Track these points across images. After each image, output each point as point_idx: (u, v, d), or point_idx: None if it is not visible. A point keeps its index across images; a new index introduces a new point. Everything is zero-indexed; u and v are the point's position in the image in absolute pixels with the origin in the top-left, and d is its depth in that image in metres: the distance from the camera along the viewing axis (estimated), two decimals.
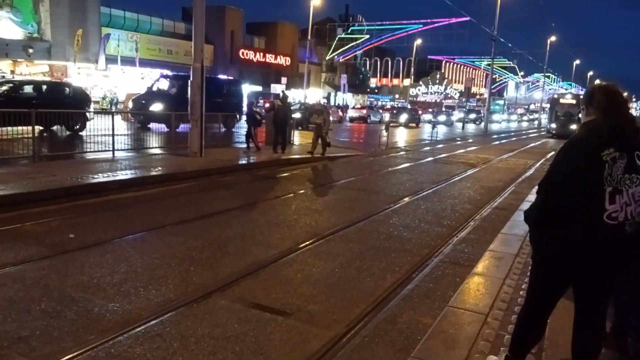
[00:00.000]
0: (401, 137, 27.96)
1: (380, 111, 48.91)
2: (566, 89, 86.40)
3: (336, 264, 5.55)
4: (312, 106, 15.80)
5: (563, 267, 2.56)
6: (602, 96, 2.59)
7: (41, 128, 13.18)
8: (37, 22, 31.06)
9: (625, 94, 2.85)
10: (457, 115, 56.46)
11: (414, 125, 41.09)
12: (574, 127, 26.81)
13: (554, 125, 35.82)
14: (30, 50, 29.17)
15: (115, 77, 33.82)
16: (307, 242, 6.30)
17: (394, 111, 47.30)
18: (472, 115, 56.66)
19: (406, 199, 9.61)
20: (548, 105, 47.72)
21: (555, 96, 40.66)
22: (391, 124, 36.84)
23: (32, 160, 10.34)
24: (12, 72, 29.12)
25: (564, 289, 2.69)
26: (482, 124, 47.24)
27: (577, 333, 2.76)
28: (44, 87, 17.21)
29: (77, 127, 15.99)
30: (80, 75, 31.11)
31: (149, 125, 19.15)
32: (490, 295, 4.32)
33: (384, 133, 20.49)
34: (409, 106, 56.47)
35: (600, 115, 2.53)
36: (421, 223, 7.79)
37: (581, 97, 18.25)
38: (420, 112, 52.83)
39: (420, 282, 5.16)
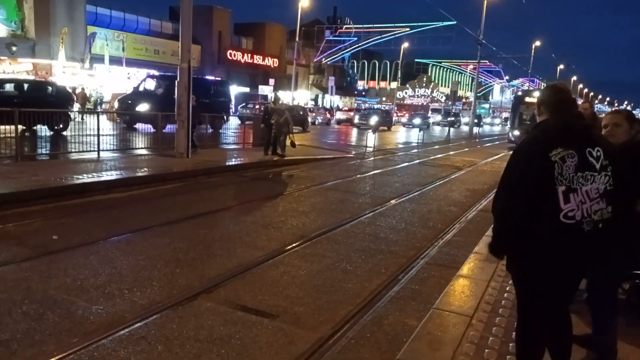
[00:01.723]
0: (386, 140, 28.07)
1: (351, 113, 45.14)
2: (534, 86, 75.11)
3: (322, 266, 5.55)
4: (273, 106, 15.05)
5: (539, 271, 2.56)
6: (549, 96, 2.64)
7: (23, 127, 12.98)
8: (21, 20, 30.63)
9: (589, 93, 2.91)
10: (435, 118, 54.22)
11: (385, 128, 38.23)
12: None
13: (516, 133, 25.11)
14: (14, 48, 28.72)
15: (101, 76, 33.48)
16: (294, 244, 6.29)
17: (363, 113, 42.08)
18: (451, 118, 52.27)
19: (392, 201, 9.65)
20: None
21: (519, 93, 30.60)
22: (360, 127, 36.27)
23: (15, 159, 10.18)
24: None
25: (549, 292, 2.69)
26: (461, 127, 46.53)
27: (551, 336, 2.77)
28: (26, 85, 16.96)
29: (60, 126, 15.76)
30: (66, 74, 30.71)
31: (135, 126, 18.97)
32: (475, 297, 4.36)
33: (371, 135, 20.56)
34: (387, 108, 55.90)
35: (549, 115, 2.57)
36: (407, 225, 7.83)
37: None
38: (397, 114, 51.43)
39: (406, 284, 5.18)
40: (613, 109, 3.54)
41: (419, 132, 29.23)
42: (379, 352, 3.71)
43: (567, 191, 2.40)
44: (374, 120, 36.95)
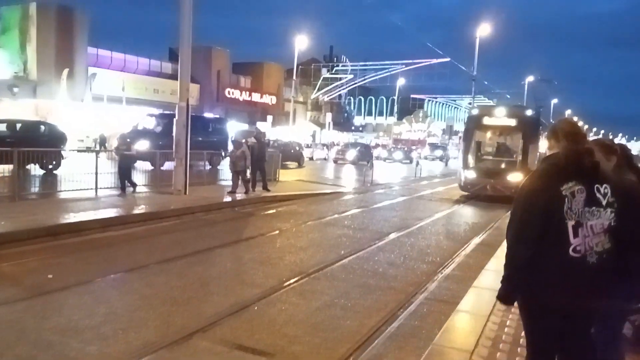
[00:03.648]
0: (382, 174, 28.19)
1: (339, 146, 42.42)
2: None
3: (320, 303, 5.49)
4: (234, 139, 14.55)
5: (549, 304, 2.55)
6: (561, 130, 2.67)
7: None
8: (24, 62, 31.20)
9: (585, 127, 2.93)
10: (421, 152, 51.64)
11: (364, 163, 34.37)
12: (515, 177, 14.29)
13: (470, 175, 16.30)
14: (15, 90, 29.16)
15: (102, 115, 33.82)
16: (292, 281, 6.23)
17: (341, 148, 40.19)
18: (438, 152, 51.00)
19: (391, 236, 9.62)
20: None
21: (475, 112, 18.67)
22: (338, 162, 35.37)
23: (12, 199, 10.18)
24: None
25: (558, 330, 2.64)
26: (450, 161, 44.51)
27: None
28: (19, 125, 16.99)
29: (52, 165, 15.73)
30: (66, 114, 31.06)
31: (133, 164, 19.04)
32: (475, 333, 4.30)
33: (369, 172, 20.68)
34: (382, 143, 53.93)
35: (561, 149, 2.61)
36: (406, 260, 7.78)
37: (527, 114, 15.43)
38: (383, 148, 49.27)
39: (406, 320, 5.12)
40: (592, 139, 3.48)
41: (416, 166, 28.97)
42: None
43: (576, 225, 2.43)
44: (351, 155, 35.62)
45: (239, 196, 13.10)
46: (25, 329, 4.38)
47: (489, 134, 17.44)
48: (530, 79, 58.81)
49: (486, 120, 16.73)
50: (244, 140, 14.61)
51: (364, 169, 22.28)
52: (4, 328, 4.39)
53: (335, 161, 36.18)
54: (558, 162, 2.55)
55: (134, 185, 12.54)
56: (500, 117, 16.43)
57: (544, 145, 15.42)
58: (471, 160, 16.57)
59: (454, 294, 5.93)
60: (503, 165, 16.44)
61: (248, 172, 13.50)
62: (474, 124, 17.04)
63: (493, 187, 15.29)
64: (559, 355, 2.67)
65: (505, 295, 2.65)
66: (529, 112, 16.62)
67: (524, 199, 2.55)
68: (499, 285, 2.66)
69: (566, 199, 2.44)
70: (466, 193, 16.62)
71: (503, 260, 2.65)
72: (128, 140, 20.74)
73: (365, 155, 37.04)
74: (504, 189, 14.48)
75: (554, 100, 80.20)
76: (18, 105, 28.17)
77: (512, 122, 16.23)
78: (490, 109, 18.08)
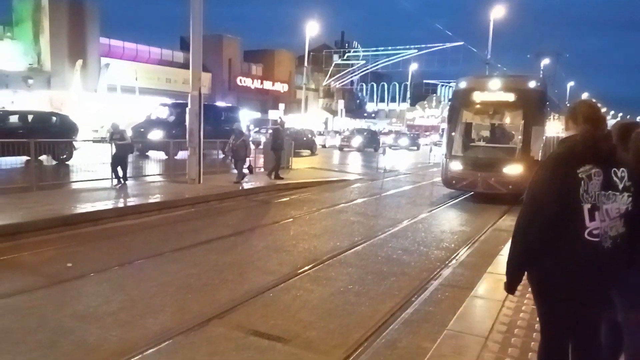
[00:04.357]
0: (392, 161, 28.06)
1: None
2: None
3: (335, 289, 5.51)
4: (232, 129, 14.51)
5: (563, 289, 2.53)
6: (580, 112, 2.61)
7: (28, 158, 13.18)
8: (37, 53, 31.48)
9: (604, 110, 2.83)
10: (430, 138, 50.00)
11: (371, 149, 34.70)
12: (514, 169, 11.71)
13: (454, 167, 12.73)
14: (30, 81, 29.48)
15: (115, 106, 34.09)
16: (306, 268, 6.26)
17: (346, 134, 38.73)
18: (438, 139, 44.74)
19: (405, 222, 9.60)
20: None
21: (463, 84, 13.22)
22: (343, 149, 34.51)
23: (30, 189, 10.33)
24: (12, 102, 29.36)
25: (572, 316, 2.60)
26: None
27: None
28: (30, 117, 17.13)
29: (65, 156, 15.90)
30: (80, 104, 31.37)
31: (147, 153, 19.22)
32: (490, 318, 4.29)
33: (382, 157, 20.59)
34: (390, 130, 50.38)
35: (579, 131, 2.56)
36: (420, 246, 7.76)
37: (530, 86, 12.08)
38: (387, 135, 46.30)
39: (420, 306, 5.12)
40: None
41: (430, 152, 28.76)
42: None
43: (592, 209, 2.40)
44: (357, 141, 34.82)
45: (251, 185, 13.16)
46: (45, 316, 4.48)
47: (480, 114, 13.39)
48: (544, 62, 57.01)
49: (477, 96, 12.75)
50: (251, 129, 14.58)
51: (377, 156, 22.19)
52: (25, 315, 4.49)
53: (340, 148, 35.13)
54: (575, 146, 2.50)
55: (124, 178, 11.65)
56: (495, 90, 12.49)
57: (554, 127, 13.51)
58: (457, 147, 12.96)
59: (469, 279, 5.91)
60: (498, 154, 12.56)
61: (248, 161, 13.50)
62: (461, 101, 13.04)
63: (485, 182, 11.91)
64: (572, 342, 2.65)
65: (510, 286, 2.63)
66: (532, 84, 12.41)
67: (539, 182, 2.51)
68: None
69: (582, 182, 2.40)
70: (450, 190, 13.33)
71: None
72: (141, 130, 21.06)
73: (372, 141, 36.27)
74: (500, 185, 11.69)
75: (570, 83, 78.81)
76: (33, 97, 28.50)
77: (511, 97, 12.32)
78: (482, 81, 13.25)
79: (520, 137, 12.39)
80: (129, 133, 21.68)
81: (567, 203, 2.41)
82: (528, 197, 2.56)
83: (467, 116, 13.20)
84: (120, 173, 11.57)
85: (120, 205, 9.36)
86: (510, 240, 2.68)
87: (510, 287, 2.65)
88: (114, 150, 11.63)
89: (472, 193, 13.12)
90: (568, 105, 14.04)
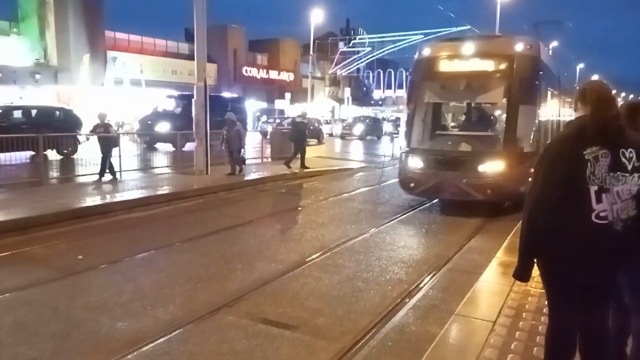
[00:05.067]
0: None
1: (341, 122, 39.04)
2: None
3: (343, 276, 5.54)
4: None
5: (571, 271, 2.52)
6: (591, 92, 2.56)
7: (33, 153, 13.26)
8: (44, 49, 31.62)
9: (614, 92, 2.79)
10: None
11: (374, 137, 34.26)
12: (494, 166, 8.60)
13: (414, 164, 9.33)
14: (37, 77, 29.65)
15: (122, 98, 34.21)
16: (314, 256, 6.30)
17: (349, 122, 37.13)
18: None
19: (413, 210, 9.59)
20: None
21: (426, 52, 9.71)
22: (345, 137, 33.53)
23: (40, 184, 10.44)
24: (21, 98, 29.58)
25: (580, 298, 2.59)
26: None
27: (584, 346, 2.69)
28: (34, 112, 17.15)
29: (68, 150, 15.96)
30: (87, 98, 31.51)
31: (155, 145, 19.31)
32: (498, 303, 4.28)
33: (390, 145, 20.53)
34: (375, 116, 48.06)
35: (587, 112, 2.53)
36: (429, 232, 7.76)
37: (517, 49, 8.71)
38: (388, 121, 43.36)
39: (428, 292, 5.14)
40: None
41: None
42: None
43: (599, 191, 2.37)
44: (358, 129, 33.91)
45: (258, 175, 13.20)
46: (58, 308, 4.55)
47: (449, 91, 9.82)
48: (554, 44, 55.71)
49: (444, 66, 9.48)
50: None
51: (380, 144, 22.09)
52: (38, 307, 4.57)
53: (342, 137, 34.28)
54: (583, 127, 2.47)
55: (112, 172, 11.21)
56: (469, 57, 9.14)
57: (550, 109, 10.48)
58: (417, 137, 9.78)
59: (476, 265, 5.91)
60: (473, 146, 9.23)
61: (242, 151, 13.20)
62: (424, 74, 9.73)
63: (453, 186, 8.68)
64: (580, 323, 2.65)
65: (521, 273, 2.58)
66: (519, 47, 8.97)
67: (544, 163, 2.49)
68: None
69: (589, 164, 2.37)
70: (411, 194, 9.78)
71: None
72: (149, 122, 21.14)
73: (374, 129, 35.33)
74: (474, 190, 8.50)
75: (580, 65, 77.61)
76: (40, 92, 28.67)
77: (490, 66, 9.09)
78: (451, 46, 9.67)
79: (502, 121, 9.74)
80: (136, 126, 21.74)
81: (573, 185, 2.39)
82: (534, 179, 2.54)
83: (431, 94, 9.85)
84: (105, 167, 11.02)
85: (129, 197, 9.43)
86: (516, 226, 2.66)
87: (521, 274, 2.58)
88: (99, 144, 11.14)
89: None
90: (577, 87, 13.29)
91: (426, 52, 9.81)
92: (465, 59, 9.22)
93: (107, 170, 11.11)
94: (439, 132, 10.31)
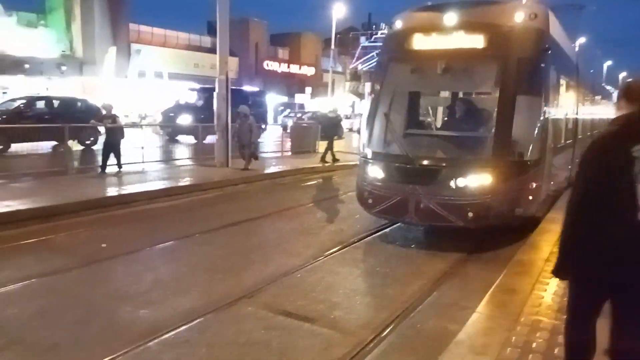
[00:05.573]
0: None
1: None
2: None
3: (361, 271, 5.53)
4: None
5: (605, 269, 2.44)
6: (637, 90, 2.49)
7: (56, 143, 13.45)
8: (70, 41, 32.17)
9: None
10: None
11: None
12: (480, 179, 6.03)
13: (374, 174, 6.82)
14: (63, 68, 30.19)
15: (145, 91, 34.64)
16: (332, 250, 6.28)
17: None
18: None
19: None
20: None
21: (399, 25, 7.19)
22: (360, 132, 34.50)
23: (64, 173, 10.64)
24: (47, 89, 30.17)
25: (606, 293, 2.53)
26: None
27: (617, 341, 2.62)
28: (56, 102, 17.31)
29: (91, 141, 16.20)
30: (111, 90, 31.99)
31: (177, 138, 19.52)
32: (520, 300, 4.21)
33: None
34: None
35: (635, 110, 2.45)
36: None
37: (516, 19, 6.14)
38: None
39: (447, 288, 5.08)
40: None
41: None
42: (418, 357, 3.65)
43: None
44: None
45: (278, 168, 13.23)
46: (80, 295, 4.64)
47: (424, 75, 7.14)
48: (582, 40, 54.74)
49: (418, 43, 6.97)
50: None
51: None
52: (61, 294, 4.66)
53: (358, 131, 34.00)
54: (629, 124, 2.39)
55: (119, 164, 11.07)
56: (452, 30, 6.73)
57: (562, 102, 8.13)
58: (379, 137, 7.19)
59: (498, 261, 5.81)
60: (450, 151, 6.84)
61: (253, 147, 12.82)
62: (393, 54, 7.44)
63: (422, 206, 6.23)
64: (614, 326, 2.57)
65: (560, 270, 2.57)
66: (519, 17, 6.57)
67: (588, 160, 2.43)
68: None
69: (637, 161, 2.29)
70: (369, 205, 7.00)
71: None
72: (171, 115, 21.36)
73: None
74: (449, 213, 6.11)
75: (608, 62, 75.54)
76: (66, 83, 29.18)
77: (479, 42, 6.55)
78: (429, 16, 7.06)
79: (494, 116, 6.69)
80: (159, 117, 21.91)
81: (620, 182, 2.31)
82: (577, 177, 2.50)
83: (399, 81, 7.35)
84: (115, 160, 10.96)
85: (151, 188, 9.55)
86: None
87: (559, 271, 2.58)
88: (105, 135, 11.13)
89: None
90: (604, 85, 12.41)
91: (397, 24, 7.37)
92: (445, 33, 6.70)
93: (116, 162, 10.99)
94: (411, 131, 7.56)
